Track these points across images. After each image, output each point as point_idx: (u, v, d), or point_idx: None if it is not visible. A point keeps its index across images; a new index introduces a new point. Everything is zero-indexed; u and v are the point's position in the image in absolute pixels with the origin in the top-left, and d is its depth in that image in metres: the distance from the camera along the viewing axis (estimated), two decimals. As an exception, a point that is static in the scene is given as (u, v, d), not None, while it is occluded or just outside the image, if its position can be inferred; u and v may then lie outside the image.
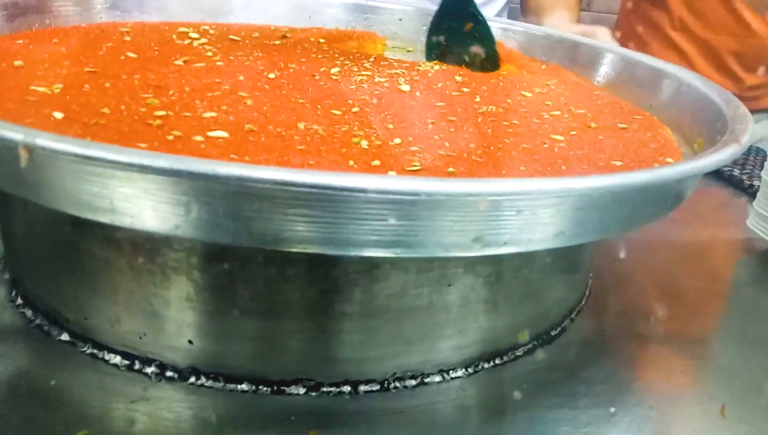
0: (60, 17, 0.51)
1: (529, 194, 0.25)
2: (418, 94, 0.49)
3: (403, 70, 0.54)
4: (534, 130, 0.44)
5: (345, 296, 0.32)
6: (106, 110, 0.35)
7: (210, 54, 0.50)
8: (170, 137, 0.33)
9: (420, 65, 0.57)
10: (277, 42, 0.58)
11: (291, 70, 0.49)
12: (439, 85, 0.52)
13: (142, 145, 0.31)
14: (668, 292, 0.49)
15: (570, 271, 0.42)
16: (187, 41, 0.52)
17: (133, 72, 0.42)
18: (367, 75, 0.51)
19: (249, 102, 0.40)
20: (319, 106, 0.42)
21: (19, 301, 0.36)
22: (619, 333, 0.44)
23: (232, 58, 0.49)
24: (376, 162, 0.34)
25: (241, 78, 0.45)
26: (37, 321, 0.35)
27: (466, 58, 0.60)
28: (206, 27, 0.58)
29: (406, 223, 0.25)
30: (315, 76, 0.49)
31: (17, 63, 0.41)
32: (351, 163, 0.33)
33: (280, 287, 0.31)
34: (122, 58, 0.45)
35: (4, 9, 0.47)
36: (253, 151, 0.33)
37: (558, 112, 0.49)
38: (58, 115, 0.33)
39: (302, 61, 0.52)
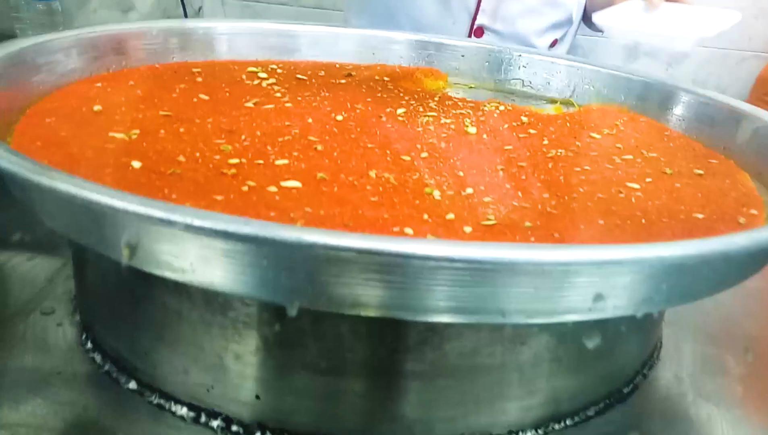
0: (135, 58, 0.53)
1: (620, 264, 0.24)
2: (485, 136, 0.48)
3: (469, 111, 0.54)
4: (607, 177, 0.43)
5: (415, 355, 0.31)
6: (181, 158, 0.35)
7: (279, 95, 0.50)
8: (245, 188, 0.33)
9: (485, 105, 0.56)
10: (343, 80, 0.58)
11: (357, 111, 0.49)
12: (505, 126, 0.52)
13: (219, 198, 0.31)
14: (745, 345, 0.47)
15: (644, 326, 0.40)
16: (256, 81, 0.53)
17: (206, 115, 0.43)
18: (432, 116, 0.51)
19: (319, 147, 0.40)
20: (388, 151, 0.41)
21: (89, 345, 0.36)
22: (694, 390, 0.41)
23: (299, 98, 0.50)
24: (451, 215, 0.33)
25: (310, 120, 0.45)
26: (106, 367, 0.35)
27: None
28: (274, 66, 0.58)
29: (488, 289, 0.24)
30: (381, 117, 0.48)
31: (96, 108, 0.41)
32: (425, 216, 0.33)
33: (350, 345, 0.30)
34: (195, 100, 0.46)
35: (84, 52, 0.48)
36: (327, 204, 0.32)
37: (630, 156, 0.47)
38: (136, 164, 0.33)
39: (368, 101, 0.52)
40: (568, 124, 0.54)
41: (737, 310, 0.51)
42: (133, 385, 0.34)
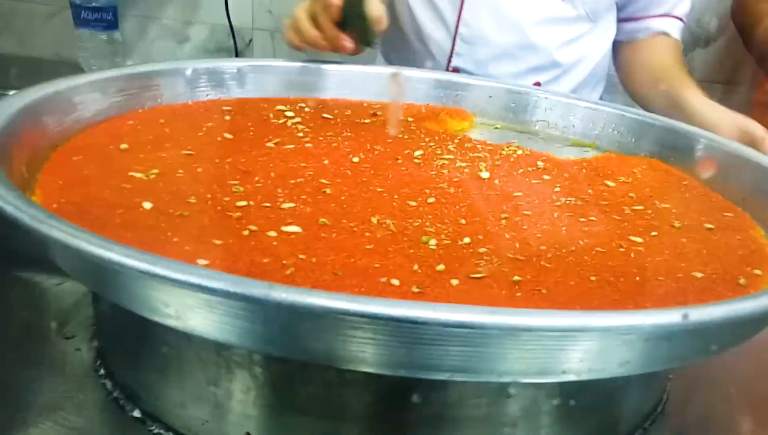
0: (170, 96, 0.56)
1: (584, 331, 0.25)
2: (497, 181, 0.49)
3: (486, 154, 0.55)
4: (611, 230, 0.43)
5: (401, 403, 0.32)
6: (192, 199, 0.38)
7: (301, 134, 0.52)
8: (246, 232, 0.35)
9: (503, 148, 0.57)
10: (368, 120, 0.60)
11: (376, 153, 0.50)
12: (520, 171, 0.52)
13: (218, 242, 0.33)
14: (755, 403, 0.46)
15: (644, 380, 0.40)
16: (282, 120, 0.55)
17: (226, 155, 0.45)
18: (449, 159, 0.52)
19: (328, 190, 0.42)
20: (395, 196, 0.43)
21: (102, 371, 0.39)
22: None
23: (321, 138, 0.52)
24: (441, 266, 0.34)
25: (326, 162, 0.47)
26: (115, 394, 0.37)
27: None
28: (302, 104, 0.60)
29: (462, 349, 0.25)
30: (398, 159, 0.50)
31: (123, 146, 0.44)
32: (415, 267, 0.34)
33: (338, 390, 0.31)
34: (219, 139, 0.49)
35: (120, 90, 0.51)
36: (322, 250, 0.34)
37: (641, 207, 0.47)
38: (147, 205, 0.36)
39: (388, 142, 0.54)
40: (584, 171, 0.54)
41: (752, 367, 0.50)
42: (137, 413, 0.36)
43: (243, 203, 0.38)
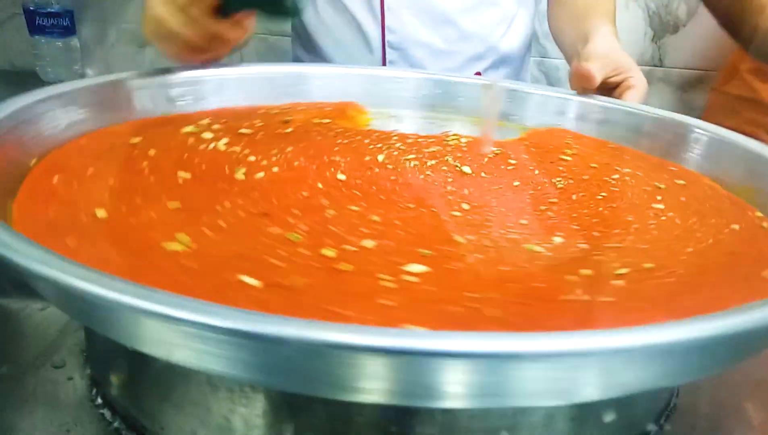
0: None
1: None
2: (483, 174, 0.49)
3: (439, 147, 0.54)
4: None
5: (424, 418, 0.30)
6: (279, 262, 0.33)
7: (253, 158, 0.46)
8: (388, 283, 0.31)
9: (445, 138, 0.56)
10: (289, 130, 0.54)
11: (343, 165, 0.47)
12: (485, 160, 0.52)
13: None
14: (761, 387, 0.45)
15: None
16: (211, 145, 0.47)
17: (211, 201, 0.39)
18: (411, 158, 0.50)
19: (376, 217, 0.38)
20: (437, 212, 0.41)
21: (99, 400, 0.36)
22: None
23: (275, 158, 0.46)
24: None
25: (320, 185, 0.43)
26: (115, 424, 0.35)
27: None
28: (203, 121, 0.52)
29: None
30: (375, 169, 0.47)
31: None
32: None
33: (359, 409, 0.30)
34: (180, 182, 0.41)
35: (85, 107, 0.48)
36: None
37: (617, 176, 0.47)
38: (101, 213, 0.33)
39: (336, 150, 0.50)
40: (533, 149, 0.55)
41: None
42: (141, 444, 0.34)
43: (331, 253, 0.34)
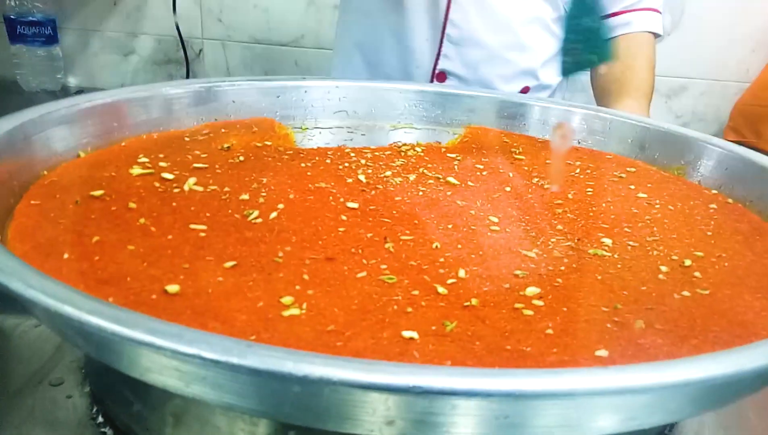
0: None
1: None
2: (470, 183, 0.49)
3: (404, 160, 0.53)
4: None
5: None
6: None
7: (229, 199, 0.42)
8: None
9: (404, 149, 0.56)
10: (241, 158, 0.50)
11: (345, 189, 0.45)
12: (456, 167, 0.52)
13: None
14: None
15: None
16: (175, 188, 0.42)
17: (244, 256, 0.35)
18: (389, 175, 0.49)
19: (383, 267, 0.36)
20: (461, 227, 0.41)
21: (100, 419, 0.35)
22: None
23: (265, 193, 0.43)
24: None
25: (342, 231, 0.39)
26: (117, 445, 0.34)
27: (595, 59, 0.54)
28: (148, 158, 0.46)
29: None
30: (364, 190, 0.45)
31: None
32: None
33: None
34: (194, 237, 0.37)
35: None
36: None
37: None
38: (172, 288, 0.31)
39: (309, 175, 0.47)
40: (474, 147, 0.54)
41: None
42: (145, 467, 0.33)
43: (444, 290, 0.33)
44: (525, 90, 0.85)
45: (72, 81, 1.31)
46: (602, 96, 0.84)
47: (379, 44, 0.86)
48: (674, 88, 1.21)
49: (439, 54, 0.82)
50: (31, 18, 1.15)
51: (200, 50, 1.29)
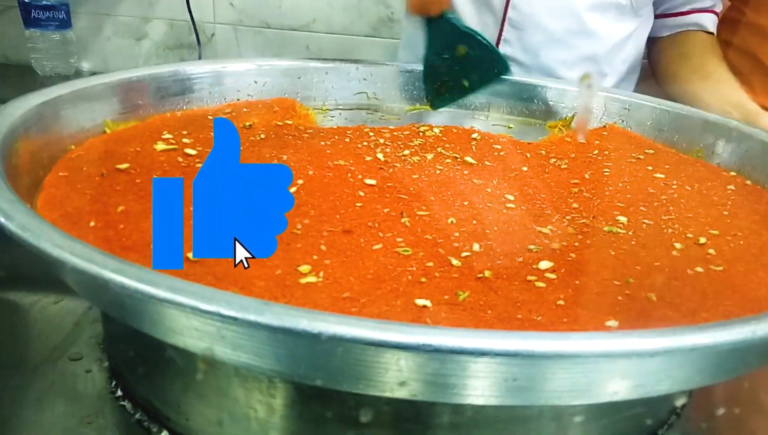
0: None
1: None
2: (488, 163, 0.49)
3: (422, 140, 0.53)
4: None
5: (451, 407, 0.30)
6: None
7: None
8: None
9: (421, 129, 0.56)
10: (262, 135, 0.51)
11: (364, 166, 0.46)
12: (474, 148, 0.53)
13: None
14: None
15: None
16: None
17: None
18: (407, 154, 0.49)
19: (399, 240, 0.36)
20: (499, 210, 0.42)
21: (119, 392, 0.36)
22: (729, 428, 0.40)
23: (309, 169, 0.44)
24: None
25: (362, 193, 0.41)
26: (137, 416, 0.35)
27: (466, 84, 0.59)
28: (169, 135, 0.48)
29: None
30: (381, 168, 0.46)
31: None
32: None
33: (388, 398, 0.30)
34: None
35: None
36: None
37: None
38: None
39: (328, 153, 0.48)
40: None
41: None
42: (165, 435, 0.34)
43: (457, 263, 0.34)
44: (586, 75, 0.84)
45: (85, 65, 1.33)
46: (698, 75, 0.83)
47: None
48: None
49: (499, 38, 0.81)
50: (45, 2, 1.17)
51: (212, 34, 1.30)
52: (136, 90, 0.49)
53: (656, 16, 0.88)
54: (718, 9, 0.89)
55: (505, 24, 0.80)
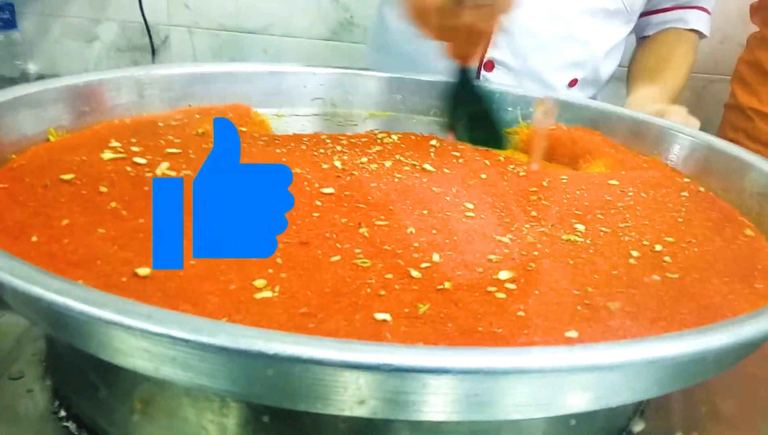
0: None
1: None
2: (446, 171, 0.49)
3: (380, 147, 0.53)
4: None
5: (411, 423, 0.30)
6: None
7: None
8: None
9: (378, 136, 0.55)
10: (208, 145, 0.48)
11: (317, 173, 0.45)
12: (432, 154, 0.52)
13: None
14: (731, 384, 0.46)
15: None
16: (147, 171, 0.42)
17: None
18: (365, 161, 0.49)
19: (357, 252, 0.35)
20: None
21: (63, 413, 0.34)
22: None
23: None
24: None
25: (319, 203, 0.40)
26: (82, 437, 0.33)
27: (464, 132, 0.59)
28: (119, 143, 0.45)
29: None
30: (339, 176, 0.45)
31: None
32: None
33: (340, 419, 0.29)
34: None
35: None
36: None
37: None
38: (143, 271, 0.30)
39: (284, 160, 0.47)
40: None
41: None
42: (112, 457, 0.32)
43: (416, 275, 0.33)
44: (573, 82, 0.85)
45: (32, 68, 1.29)
46: (631, 83, 0.85)
47: (420, 38, 0.85)
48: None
49: (486, 43, 0.81)
50: (-12, 2, 1.13)
51: (166, 37, 1.27)
52: (82, 96, 0.47)
53: (641, 15, 0.88)
54: (709, 6, 0.88)
55: None
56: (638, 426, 0.38)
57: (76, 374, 0.34)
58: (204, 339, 0.22)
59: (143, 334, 0.22)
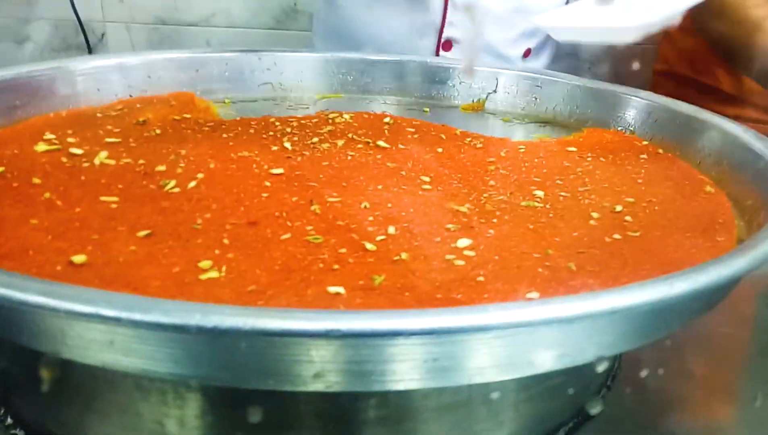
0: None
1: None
2: (402, 146, 0.48)
3: (332, 127, 0.51)
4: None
5: (376, 401, 0.28)
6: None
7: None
8: None
9: (329, 117, 0.54)
10: (158, 131, 0.47)
11: (260, 159, 0.43)
12: (386, 132, 0.51)
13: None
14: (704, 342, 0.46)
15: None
16: (86, 163, 0.40)
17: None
18: (316, 141, 0.47)
19: (310, 229, 0.34)
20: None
21: (9, 420, 0.33)
22: (660, 398, 0.40)
23: (182, 166, 0.40)
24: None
25: (263, 196, 0.38)
26: (31, 444, 0.31)
27: None
28: (52, 135, 0.44)
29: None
30: (289, 157, 0.44)
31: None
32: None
33: (306, 397, 0.28)
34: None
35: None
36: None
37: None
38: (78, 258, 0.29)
39: (231, 145, 0.45)
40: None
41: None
42: (63, 462, 0.30)
43: (371, 248, 0.32)
44: (527, 52, 0.85)
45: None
46: None
47: (375, 20, 0.84)
48: (598, 56, 1.23)
49: (443, 21, 0.81)
50: None
51: (102, 34, 1.23)
52: (12, 90, 0.45)
53: None
54: None
55: (449, 8, 0.80)
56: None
57: (18, 375, 0.33)
58: (137, 317, 0.20)
59: (71, 316, 0.21)
